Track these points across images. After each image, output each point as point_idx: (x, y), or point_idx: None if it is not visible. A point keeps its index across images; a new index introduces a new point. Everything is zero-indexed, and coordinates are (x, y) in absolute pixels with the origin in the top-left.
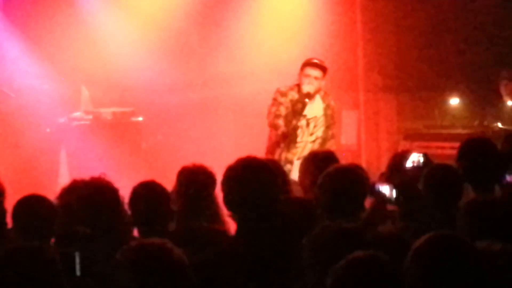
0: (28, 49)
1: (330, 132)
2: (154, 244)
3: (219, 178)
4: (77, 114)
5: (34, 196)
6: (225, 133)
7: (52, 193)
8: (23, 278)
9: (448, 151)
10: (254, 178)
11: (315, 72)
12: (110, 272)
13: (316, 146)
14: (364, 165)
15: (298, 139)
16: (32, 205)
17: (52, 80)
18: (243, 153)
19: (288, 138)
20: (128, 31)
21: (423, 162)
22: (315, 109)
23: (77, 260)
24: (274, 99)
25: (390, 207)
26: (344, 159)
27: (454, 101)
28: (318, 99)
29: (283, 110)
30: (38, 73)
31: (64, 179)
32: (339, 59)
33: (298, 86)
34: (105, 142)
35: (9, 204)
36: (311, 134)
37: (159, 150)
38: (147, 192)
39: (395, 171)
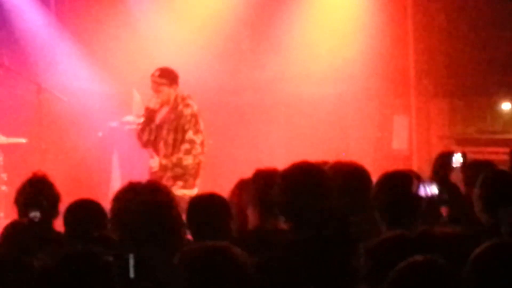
0: (80, 52)
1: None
2: (216, 247)
3: None
4: (129, 118)
5: (85, 200)
6: (276, 136)
7: (104, 197)
8: (78, 284)
9: (501, 156)
10: (311, 183)
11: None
12: (166, 276)
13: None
14: (415, 170)
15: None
16: (83, 209)
17: (104, 84)
18: (294, 156)
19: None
20: (179, 34)
21: (462, 162)
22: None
23: (131, 263)
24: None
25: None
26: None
27: (506, 106)
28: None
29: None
30: (90, 77)
31: (116, 183)
32: (390, 63)
33: None
34: None
35: (62, 208)
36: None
37: (210, 153)
38: (206, 205)
39: (441, 171)
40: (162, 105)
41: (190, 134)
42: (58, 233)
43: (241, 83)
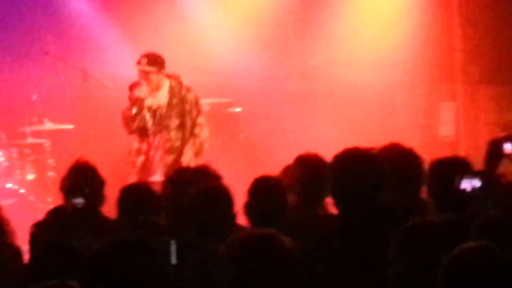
0: (126, 39)
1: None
2: (263, 234)
3: None
4: None
5: (138, 184)
6: (322, 124)
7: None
8: (128, 270)
9: None
10: (364, 168)
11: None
12: (210, 265)
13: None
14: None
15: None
16: (136, 193)
17: None
18: (341, 144)
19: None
20: (225, 22)
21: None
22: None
23: (173, 249)
24: None
25: None
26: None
27: None
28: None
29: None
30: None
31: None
32: (437, 50)
33: None
34: None
35: (109, 194)
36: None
37: (256, 141)
38: (265, 186)
39: (492, 159)
40: (154, 91)
41: (201, 118)
42: (106, 219)
43: (288, 71)
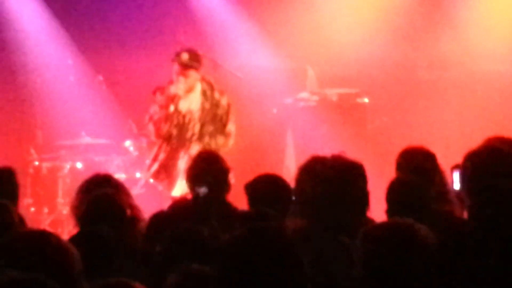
0: (255, 29)
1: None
2: (400, 224)
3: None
4: (303, 95)
5: (269, 175)
6: (450, 115)
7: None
8: (267, 260)
9: None
10: (500, 165)
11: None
12: (330, 255)
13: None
14: None
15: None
16: (266, 184)
17: (278, 61)
18: (467, 137)
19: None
20: (353, 11)
21: None
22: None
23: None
24: None
25: None
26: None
27: None
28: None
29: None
30: (265, 54)
31: (290, 160)
32: None
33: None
34: (331, 123)
35: (238, 183)
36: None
37: (384, 131)
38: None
39: None
40: (187, 92)
41: (230, 126)
42: (233, 208)
43: (417, 61)
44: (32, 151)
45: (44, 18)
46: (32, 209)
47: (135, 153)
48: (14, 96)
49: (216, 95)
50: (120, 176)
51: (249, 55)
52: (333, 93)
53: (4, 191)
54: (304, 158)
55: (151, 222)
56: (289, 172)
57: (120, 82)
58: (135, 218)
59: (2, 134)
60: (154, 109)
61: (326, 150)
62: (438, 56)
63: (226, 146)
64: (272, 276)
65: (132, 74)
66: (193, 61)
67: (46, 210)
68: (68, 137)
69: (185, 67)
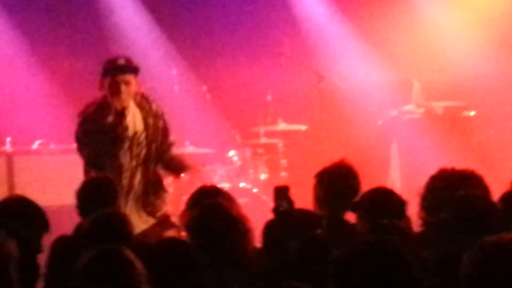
0: (360, 41)
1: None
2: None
3: None
4: (408, 107)
5: (381, 188)
6: None
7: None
8: (384, 273)
9: None
10: None
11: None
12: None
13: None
14: None
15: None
16: (379, 196)
17: (384, 72)
18: None
19: None
20: (461, 24)
21: None
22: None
23: None
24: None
25: None
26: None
27: None
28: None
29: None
30: (370, 65)
31: (395, 173)
32: None
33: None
34: (436, 136)
35: None
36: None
37: (490, 145)
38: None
39: None
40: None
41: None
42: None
43: None
44: None
45: (148, 28)
46: None
47: (239, 163)
48: None
49: (152, 104)
50: (224, 186)
51: (355, 67)
52: (439, 105)
53: (105, 199)
54: (409, 171)
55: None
56: (394, 184)
57: (224, 92)
58: (246, 228)
59: None
60: (81, 128)
61: (431, 162)
62: None
63: None
64: None
65: (237, 84)
66: (135, 71)
67: None
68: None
69: (128, 79)
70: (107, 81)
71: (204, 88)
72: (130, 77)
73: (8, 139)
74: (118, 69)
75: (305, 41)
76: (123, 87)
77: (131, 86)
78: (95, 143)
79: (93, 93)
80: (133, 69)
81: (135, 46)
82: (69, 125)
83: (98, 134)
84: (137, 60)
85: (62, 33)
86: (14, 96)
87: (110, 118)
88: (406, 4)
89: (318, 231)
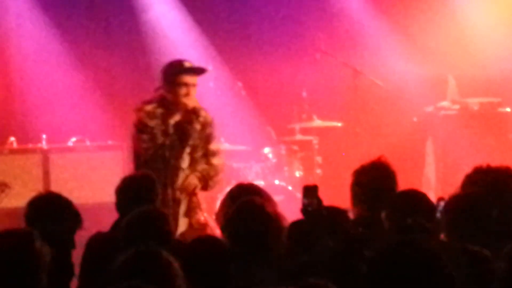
0: (396, 36)
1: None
2: None
3: None
4: (444, 103)
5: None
6: None
7: (418, 183)
8: (416, 273)
9: None
10: None
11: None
12: None
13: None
14: None
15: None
16: (410, 198)
17: (419, 69)
18: None
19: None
20: (497, 20)
21: None
22: None
23: None
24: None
25: None
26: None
27: None
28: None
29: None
30: (406, 62)
31: (430, 169)
32: None
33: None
34: (472, 132)
35: None
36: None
37: None
38: None
39: None
40: None
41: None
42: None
43: None
44: None
45: (185, 25)
46: None
47: (274, 160)
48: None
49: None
50: (259, 183)
51: (390, 63)
52: (474, 102)
53: (146, 197)
54: (444, 167)
55: (292, 231)
56: (429, 181)
57: (259, 89)
58: (281, 226)
59: None
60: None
61: (467, 159)
62: None
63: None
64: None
65: (272, 80)
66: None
67: None
68: None
69: (194, 83)
70: (177, 81)
71: (239, 84)
72: (196, 80)
73: (44, 136)
74: (190, 71)
75: (341, 37)
76: (192, 88)
77: (196, 88)
78: (152, 139)
79: (128, 90)
80: (202, 72)
81: (171, 42)
82: (105, 122)
83: (158, 131)
84: (173, 56)
85: (98, 30)
86: (49, 93)
87: (177, 116)
88: (442, 0)
89: (359, 229)
